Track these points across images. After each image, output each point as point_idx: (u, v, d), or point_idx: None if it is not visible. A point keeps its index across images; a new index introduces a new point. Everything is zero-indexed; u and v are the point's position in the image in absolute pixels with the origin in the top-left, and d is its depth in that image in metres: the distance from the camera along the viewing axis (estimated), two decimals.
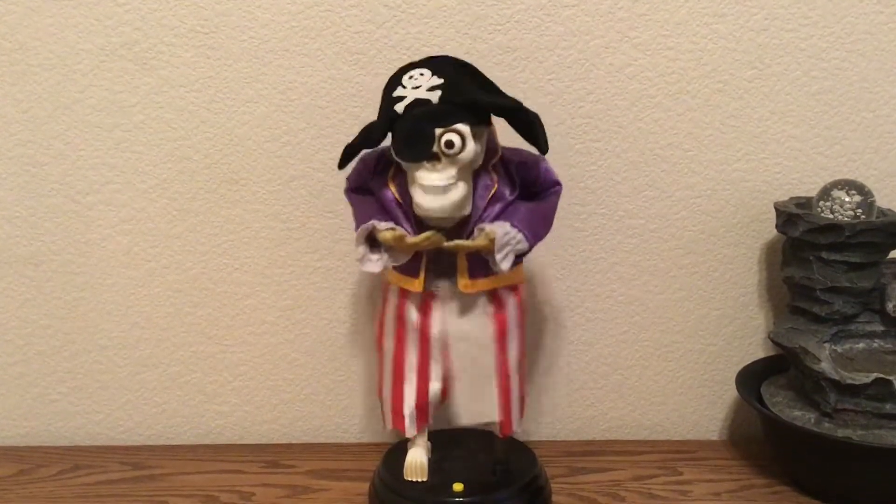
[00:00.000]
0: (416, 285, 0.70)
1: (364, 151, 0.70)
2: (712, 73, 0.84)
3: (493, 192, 0.69)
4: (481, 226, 0.68)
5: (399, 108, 0.66)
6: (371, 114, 0.81)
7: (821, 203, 0.80)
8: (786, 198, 0.85)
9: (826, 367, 0.76)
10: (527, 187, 0.71)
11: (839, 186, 0.80)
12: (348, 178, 0.74)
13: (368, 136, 0.68)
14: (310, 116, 0.84)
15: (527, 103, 0.66)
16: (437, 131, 0.65)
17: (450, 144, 0.65)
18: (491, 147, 0.69)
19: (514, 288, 0.73)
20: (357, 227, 0.70)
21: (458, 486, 0.73)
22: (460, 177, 0.66)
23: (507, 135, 0.70)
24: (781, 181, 0.87)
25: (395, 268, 0.71)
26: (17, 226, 0.87)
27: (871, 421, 0.75)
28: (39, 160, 0.85)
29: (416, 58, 0.72)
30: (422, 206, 0.66)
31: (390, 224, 0.68)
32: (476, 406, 0.73)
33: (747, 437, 0.90)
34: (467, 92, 0.67)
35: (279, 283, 0.88)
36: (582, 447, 0.89)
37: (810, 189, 0.84)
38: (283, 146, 0.85)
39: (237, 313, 0.89)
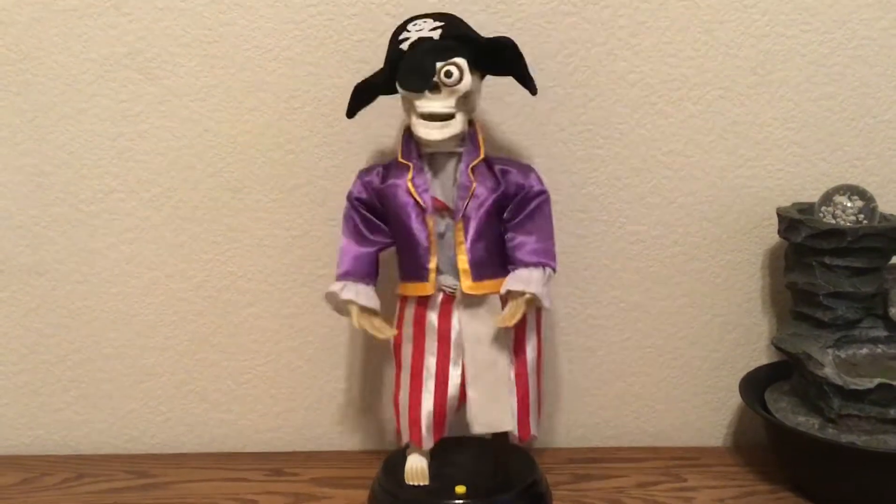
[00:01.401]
0: (427, 288, 0.73)
1: (365, 168, 0.74)
2: (714, 79, 0.85)
3: (471, 191, 0.72)
4: (509, 289, 0.71)
5: (404, 45, 0.71)
6: (373, 120, 0.82)
7: (823, 208, 0.80)
8: (788, 203, 0.85)
9: (829, 372, 0.76)
10: (513, 194, 0.73)
11: (841, 192, 0.80)
12: (349, 195, 0.76)
13: (376, 77, 0.73)
14: (313, 125, 0.85)
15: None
16: (438, 64, 0.69)
17: (448, 74, 0.69)
18: (474, 147, 0.73)
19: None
20: (340, 256, 0.75)
21: (460, 489, 0.74)
22: (458, 108, 0.70)
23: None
24: (783, 187, 0.87)
25: (403, 276, 0.74)
26: (21, 235, 0.87)
27: (875, 426, 0.75)
28: (44, 169, 0.86)
29: None
30: (422, 135, 0.70)
31: (358, 293, 0.73)
32: (490, 415, 0.73)
33: (751, 443, 0.90)
34: (465, 31, 0.73)
35: (282, 291, 0.88)
36: (585, 454, 0.89)
37: (812, 195, 0.84)
38: (286, 154, 0.85)
39: (241, 321, 0.89)
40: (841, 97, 0.85)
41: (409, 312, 0.74)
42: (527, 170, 0.74)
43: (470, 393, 0.73)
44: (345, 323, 0.89)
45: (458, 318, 0.73)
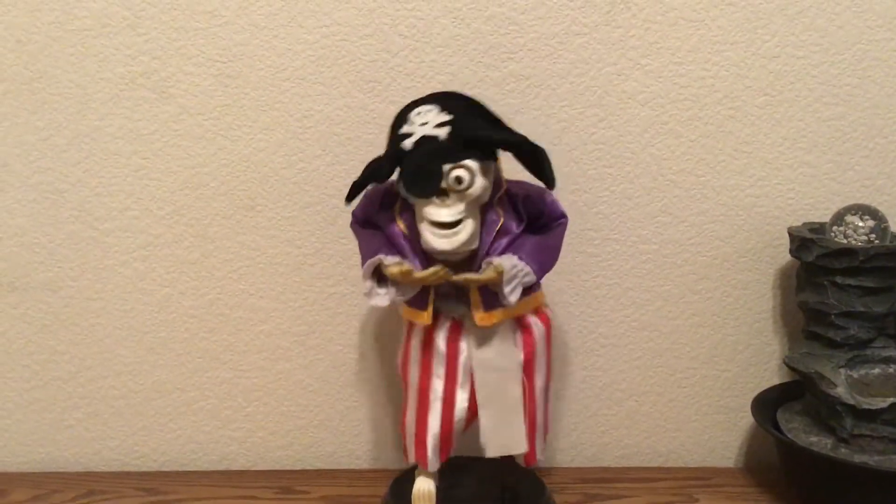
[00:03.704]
0: (425, 317, 0.70)
1: (370, 186, 0.70)
2: (724, 99, 0.85)
3: (499, 226, 0.69)
4: (489, 259, 0.68)
5: (407, 144, 0.66)
6: (386, 141, 0.82)
7: (834, 228, 0.80)
8: (798, 223, 0.85)
9: (842, 392, 0.76)
10: (533, 220, 0.71)
11: (852, 211, 0.80)
12: (354, 213, 0.74)
13: (376, 171, 0.67)
14: (325, 144, 0.85)
15: (539, 130, 0.66)
16: (446, 167, 0.65)
17: (459, 180, 0.65)
18: (496, 181, 0.69)
19: (539, 312, 0.73)
20: (364, 261, 0.70)
21: None
22: (468, 213, 0.67)
23: (510, 167, 0.70)
24: (794, 206, 0.87)
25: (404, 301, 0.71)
26: (35, 252, 0.88)
27: (888, 446, 0.75)
28: (59, 187, 0.87)
29: (431, 86, 0.73)
30: (430, 245, 0.66)
31: (397, 259, 0.68)
32: (503, 438, 0.72)
33: (763, 463, 0.90)
34: (476, 128, 0.67)
35: (294, 308, 0.89)
36: (597, 474, 0.88)
37: (823, 214, 0.84)
38: (298, 173, 0.86)
39: (252, 339, 0.89)
40: (851, 117, 0.86)
41: (417, 335, 0.73)
42: (544, 194, 0.71)
43: (482, 418, 0.72)
44: (356, 341, 0.89)
45: (466, 343, 0.71)
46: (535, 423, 0.73)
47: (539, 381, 0.73)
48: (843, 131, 0.86)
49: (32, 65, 0.85)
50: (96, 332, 0.89)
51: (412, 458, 0.75)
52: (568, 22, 0.84)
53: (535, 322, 0.72)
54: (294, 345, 0.89)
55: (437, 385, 0.72)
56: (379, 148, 0.75)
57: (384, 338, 0.89)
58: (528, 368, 0.72)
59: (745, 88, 0.85)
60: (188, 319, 0.89)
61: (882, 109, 0.86)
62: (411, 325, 0.74)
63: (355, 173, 0.80)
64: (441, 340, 0.72)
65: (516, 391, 0.72)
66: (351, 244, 0.86)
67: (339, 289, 0.88)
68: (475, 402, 0.72)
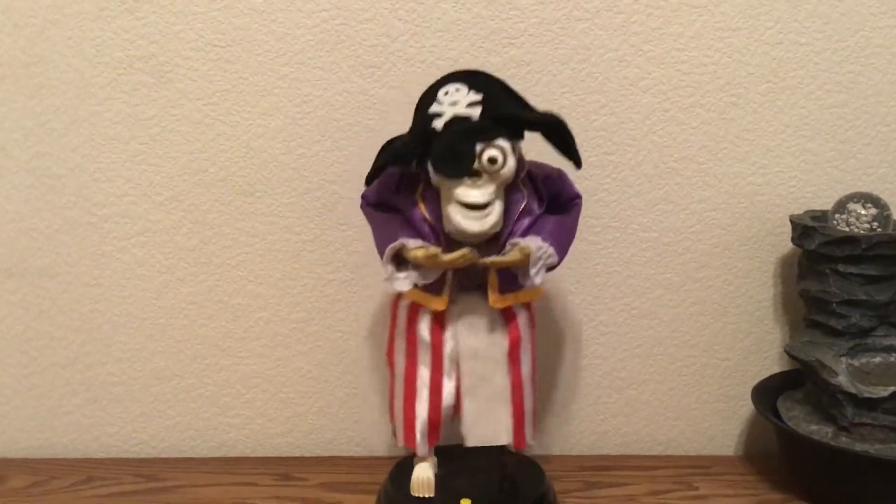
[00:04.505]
0: (440, 303, 0.70)
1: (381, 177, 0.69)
2: (726, 86, 0.85)
3: (523, 206, 0.69)
4: (514, 241, 0.67)
5: (438, 124, 0.65)
6: (385, 126, 0.81)
7: (836, 216, 0.79)
8: (800, 211, 0.85)
9: (843, 380, 0.76)
10: (551, 201, 0.71)
11: (855, 199, 0.79)
12: (365, 195, 0.72)
13: (402, 152, 0.67)
14: (325, 129, 0.85)
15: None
16: (479, 147, 0.64)
17: (493, 160, 0.64)
18: (520, 162, 0.69)
19: (525, 302, 0.73)
20: (379, 244, 0.70)
21: (465, 502, 0.73)
22: (497, 194, 0.66)
23: (526, 147, 0.70)
24: (796, 194, 0.86)
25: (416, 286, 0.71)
26: (33, 238, 0.87)
27: (888, 435, 0.74)
28: (56, 172, 0.86)
29: (432, 71, 0.72)
30: (460, 226, 0.66)
31: (420, 242, 0.68)
32: (485, 428, 0.72)
33: (763, 451, 0.89)
34: (507, 107, 0.66)
35: (293, 295, 0.88)
36: (596, 462, 0.88)
37: (825, 202, 0.84)
38: (297, 159, 0.85)
39: (251, 326, 0.89)
40: (854, 105, 0.85)
41: (402, 320, 0.73)
42: (562, 175, 0.71)
43: (465, 407, 0.72)
44: (355, 328, 0.89)
45: (452, 332, 0.71)
46: (523, 409, 0.73)
47: (525, 369, 0.73)
48: (845, 119, 0.85)
49: (30, 49, 0.84)
50: (94, 318, 0.89)
51: (401, 443, 0.75)
52: (570, 7, 0.83)
53: (520, 311, 0.72)
54: (293, 332, 0.89)
55: (424, 373, 0.72)
56: (378, 133, 0.75)
57: (383, 325, 0.88)
58: (513, 356, 0.71)
59: (748, 75, 0.84)
60: (187, 306, 0.89)
61: (885, 97, 0.85)
62: (396, 312, 0.74)
63: (355, 159, 0.80)
64: (425, 330, 0.71)
65: (502, 380, 0.71)
66: (350, 230, 0.86)
67: (338, 275, 0.88)
68: (459, 392, 0.72)
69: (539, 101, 0.80)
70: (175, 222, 0.87)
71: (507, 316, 0.71)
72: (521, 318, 0.72)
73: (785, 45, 0.84)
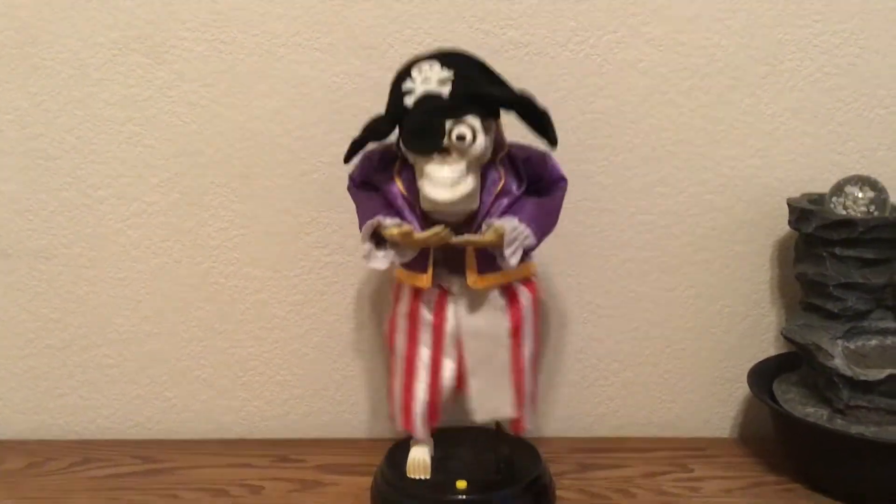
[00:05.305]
0: (425, 280, 0.70)
1: (368, 147, 0.70)
2: (725, 69, 0.84)
3: (500, 186, 0.68)
4: (489, 221, 0.67)
5: (409, 101, 0.65)
6: (383, 108, 0.81)
7: (834, 199, 0.79)
8: (798, 194, 0.85)
9: (839, 363, 0.76)
10: (533, 183, 0.71)
11: (852, 182, 0.79)
12: (351, 175, 0.73)
13: (376, 129, 0.67)
14: (322, 111, 0.84)
15: (538, 98, 0.66)
16: (448, 124, 0.64)
17: (461, 137, 0.64)
18: (498, 141, 0.69)
19: (527, 282, 0.73)
20: (361, 223, 0.70)
21: (461, 484, 0.73)
22: (470, 170, 0.66)
23: (512, 131, 0.70)
24: (794, 177, 0.86)
25: (402, 264, 0.71)
26: (28, 219, 0.87)
27: (884, 417, 0.75)
28: (51, 154, 0.86)
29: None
30: (430, 197, 0.65)
31: (397, 220, 0.68)
32: (491, 402, 0.73)
33: (759, 434, 0.90)
34: (478, 85, 0.66)
35: (290, 278, 0.88)
36: (592, 444, 0.88)
37: (823, 185, 0.84)
38: (294, 141, 0.85)
39: (247, 308, 0.89)
40: (852, 88, 0.85)
41: (403, 304, 0.73)
42: (545, 157, 0.71)
43: (471, 384, 0.72)
44: (352, 311, 0.89)
45: (454, 312, 0.71)
46: (524, 391, 0.73)
47: (527, 350, 0.73)
48: (843, 102, 0.85)
49: (25, 29, 0.83)
50: (90, 300, 0.89)
51: (399, 426, 0.75)
52: None
53: (522, 291, 0.72)
54: (290, 314, 0.89)
55: (424, 353, 0.73)
56: (376, 114, 0.74)
57: (380, 307, 0.88)
58: (515, 336, 0.72)
59: (746, 58, 0.84)
60: (183, 288, 0.88)
61: (883, 80, 0.85)
62: (398, 293, 0.74)
63: (352, 141, 0.79)
64: (427, 309, 0.72)
65: (504, 357, 0.72)
66: (347, 213, 0.85)
67: (334, 258, 0.88)
68: (461, 371, 0.72)
69: (536, 83, 0.80)
70: (171, 204, 0.87)
71: (509, 296, 0.71)
72: (524, 298, 0.72)
73: (783, 27, 0.84)
